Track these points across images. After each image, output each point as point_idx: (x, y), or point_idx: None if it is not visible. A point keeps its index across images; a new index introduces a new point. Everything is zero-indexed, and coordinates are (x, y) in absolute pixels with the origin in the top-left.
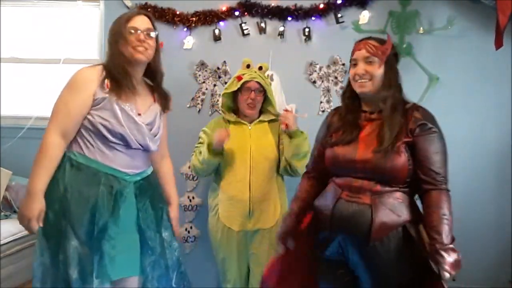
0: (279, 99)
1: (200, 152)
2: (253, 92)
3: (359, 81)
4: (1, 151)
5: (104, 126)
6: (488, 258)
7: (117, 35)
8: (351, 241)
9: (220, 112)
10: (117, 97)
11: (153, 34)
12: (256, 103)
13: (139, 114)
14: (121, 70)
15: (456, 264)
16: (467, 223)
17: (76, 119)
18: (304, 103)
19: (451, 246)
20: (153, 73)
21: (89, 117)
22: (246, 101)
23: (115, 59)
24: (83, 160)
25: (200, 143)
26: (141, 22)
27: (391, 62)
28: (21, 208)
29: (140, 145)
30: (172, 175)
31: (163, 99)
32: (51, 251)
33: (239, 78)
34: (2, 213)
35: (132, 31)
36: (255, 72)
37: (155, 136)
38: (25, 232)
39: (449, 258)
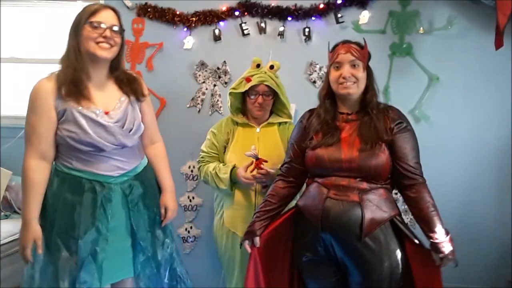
0: None
1: (216, 174)
2: (260, 96)
3: (345, 83)
4: (1, 151)
5: (72, 139)
6: (488, 258)
7: (78, 28)
8: (341, 239)
9: (220, 112)
10: (77, 103)
11: (116, 28)
12: (264, 106)
13: (107, 113)
14: (72, 72)
15: (454, 251)
16: (467, 223)
17: (49, 137)
18: (304, 103)
19: (449, 237)
20: (113, 69)
21: (58, 132)
22: (254, 104)
23: (69, 58)
24: (66, 170)
25: (212, 147)
26: (106, 16)
27: (369, 65)
28: (19, 238)
29: (114, 145)
30: (163, 158)
31: (130, 85)
32: (41, 263)
33: (247, 79)
34: (2, 213)
35: (96, 25)
36: (265, 72)
37: (130, 131)
38: None
39: (451, 248)
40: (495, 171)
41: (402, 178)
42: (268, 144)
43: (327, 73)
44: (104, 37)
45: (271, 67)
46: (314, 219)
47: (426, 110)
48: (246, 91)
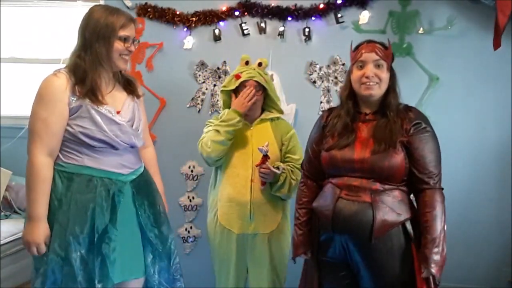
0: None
1: (218, 131)
2: None
3: (368, 84)
4: (1, 151)
5: (85, 135)
6: (488, 258)
7: (109, 38)
8: (353, 240)
9: (220, 112)
10: (92, 102)
11: (135, 40)
12: (255, 101)
13: (118, 112)
14: (95, 76)
15: (441, 267)
16: (467, 223)
17: (59, 134)
18: (304, 103)
19: (441, 248)
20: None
21: (68, 128)
22: None
23: (92, 62)
24: (74, 169)
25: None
26: (132, 30)
27: (392, 67)
28: (26, 235)
29: (126, 144)
30: (155, 163)
31: (130, 86)
32: (54, 265)
33: (237, 76)
34: (2, 213)
35: (126, 39)
36: (254, 69)
37: (138, 130)
38: None
39: (438, 260)
40: (495, 171)
41: (417, 181)
42: (262, 140)
43: (349, 73)
44: (130, 51)
45: (259, 64)
46: (326, 219)
47: (426, 110)
48: (236, 88)
